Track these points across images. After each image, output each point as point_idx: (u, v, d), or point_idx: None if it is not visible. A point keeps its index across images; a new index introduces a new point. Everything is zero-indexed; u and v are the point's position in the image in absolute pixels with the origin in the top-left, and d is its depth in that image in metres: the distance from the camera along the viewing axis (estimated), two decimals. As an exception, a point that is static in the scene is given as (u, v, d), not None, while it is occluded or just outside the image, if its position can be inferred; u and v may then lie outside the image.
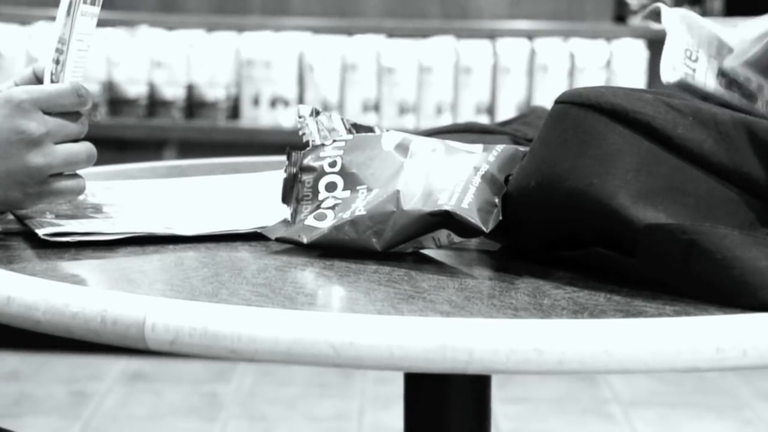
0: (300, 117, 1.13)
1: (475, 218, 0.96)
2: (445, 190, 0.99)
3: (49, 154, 1.04)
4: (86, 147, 1.07)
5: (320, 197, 1.05)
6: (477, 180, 0.99)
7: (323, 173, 1.06)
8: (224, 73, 3.47)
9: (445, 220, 0.97)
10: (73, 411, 3.04)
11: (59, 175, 1.05)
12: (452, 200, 0.97)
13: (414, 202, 0.99)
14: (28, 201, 1.06)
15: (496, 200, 0.98)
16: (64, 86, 1.06)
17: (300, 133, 1.13)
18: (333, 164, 1.06)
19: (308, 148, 1.08)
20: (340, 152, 1.07)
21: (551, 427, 3.01)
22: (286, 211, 1.07)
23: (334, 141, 1.08)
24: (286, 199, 1.07)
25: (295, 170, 1.07)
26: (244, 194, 1.27)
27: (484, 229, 0.96)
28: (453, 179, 1.00)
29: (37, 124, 1.03)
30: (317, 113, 1.14)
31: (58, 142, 1.05)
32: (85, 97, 1.06)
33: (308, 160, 1.07)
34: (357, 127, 1.15)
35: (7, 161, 1.03)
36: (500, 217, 0.97)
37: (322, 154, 1.07)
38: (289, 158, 1.08)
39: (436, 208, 0.97)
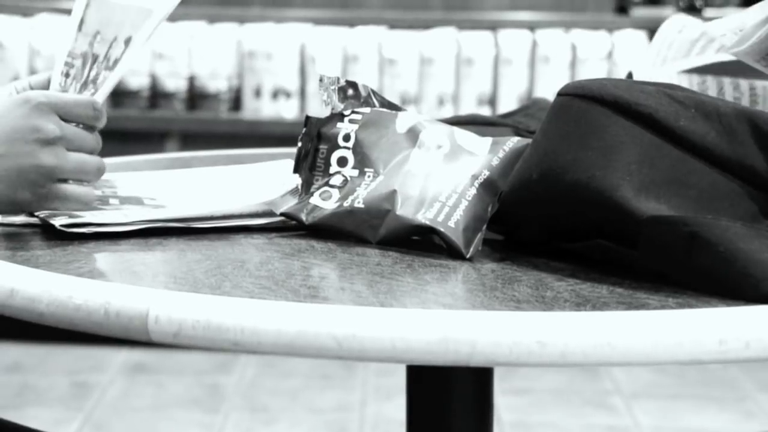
0: (322, 84, 1.12)
1: (459, 239, 0.99)
2: (438, 201, 1.02)
3: (61, 157, 1.04)
4: (96, 160, 1.07)
5: (331, 171, 1.08)
6: (472, 192, 1.02)
7: (337, 145, 1.08)
8: (226, 64, 3.47)
9: (432, 231, 1.01)
10: (76, 402, 3.05)
11: (69, 181, 1.05)
12: (441, 215, 1.01)
13: (408, 206, 1.02)
14: (36, 202, 1.05)
15: (489, 209, 1.01)
16: (82, 97, 1.07)
17: (322, 99, 1.13)
18: (347, 138, 1.08)
19: (326, 117, 1.10)
20: (355, 126, 1.09)
21: (553, 419, 3.02)
22: (296, 182, 1.09)
23: (353, 112, 1.10)
24: (298, 168, 1.09)
25: (311, 137, 1.09)
26: (248, 184, 1.27)
27: (464, 253, 0.98)
28: (448, 188, 1.03)
29: (53, 126, 1.03)
30: (340, 81, 1.14)
31: (71, 149, 1.05)
32: (100, 112, 1.07)
33: (325, 129, 1.09)
34: (380, 100, 1.14)
35: (20, 159, 1.03)
36: (483, 240, 1.00)
37: (339, 125, 1.09)
38: (306, 124, 1.09)
39: (424, 221, 1.01)
